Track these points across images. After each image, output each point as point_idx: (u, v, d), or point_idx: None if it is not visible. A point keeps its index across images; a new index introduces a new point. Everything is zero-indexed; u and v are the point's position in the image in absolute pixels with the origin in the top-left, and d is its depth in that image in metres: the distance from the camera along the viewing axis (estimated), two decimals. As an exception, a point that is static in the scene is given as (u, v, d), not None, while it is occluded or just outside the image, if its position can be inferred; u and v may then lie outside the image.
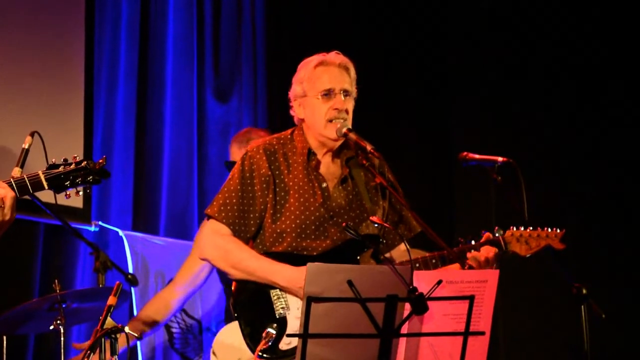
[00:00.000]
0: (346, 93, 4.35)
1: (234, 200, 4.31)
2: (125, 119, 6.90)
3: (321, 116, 4.33)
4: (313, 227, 4.28)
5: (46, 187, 3.65)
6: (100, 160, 3.65)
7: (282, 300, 4.19)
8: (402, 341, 3.55)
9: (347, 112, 4.34)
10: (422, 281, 3.47)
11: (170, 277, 6.60)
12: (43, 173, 3.58)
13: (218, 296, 6.63)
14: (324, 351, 3.45)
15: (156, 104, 7.12)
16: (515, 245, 4.51)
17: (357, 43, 7.46)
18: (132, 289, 6.23)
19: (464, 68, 7.82)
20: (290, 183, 4.32)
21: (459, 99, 7.87)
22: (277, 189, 4.31)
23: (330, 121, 4.32)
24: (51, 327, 5.39)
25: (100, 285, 5.08)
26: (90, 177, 3.61)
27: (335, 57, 4.39)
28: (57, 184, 3.59)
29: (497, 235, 4.48)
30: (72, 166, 3.59)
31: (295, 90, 4.41)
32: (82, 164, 3.60)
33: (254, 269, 4.22)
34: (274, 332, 4.12)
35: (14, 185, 3.57)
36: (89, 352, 3.92)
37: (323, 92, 4.32)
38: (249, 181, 4.33)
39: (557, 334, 7.06)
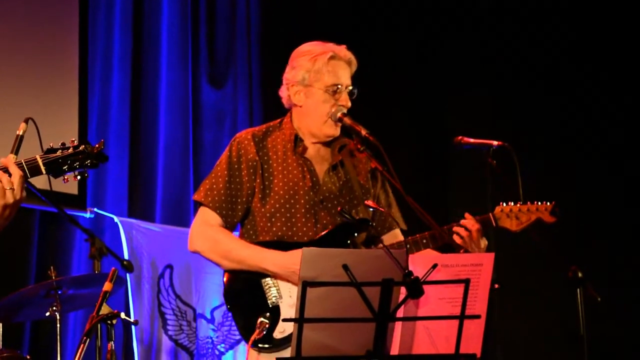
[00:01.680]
0: (350, 91, 4.35)
1: (221, 185, 4.31)
2: (120, 105, 6.90)
3: (324, 111, 4.31)
4: (303, 211, 4.27)
5: (44, 171, 3.63)
6: (98, 145, 3.62)
7: (274, 289, 4.19)
8: (398, 325, 3.54)
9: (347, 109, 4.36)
10: (418, 265, 3.47)
11: (165, 263, 6.61)
12: (41, 157, 3.55)
13: (211, 283, 6.64)
14: (319, 336, 3.45)
15: (151, 90, 7.11)
16: (506, 220, 4.48)
17: (351, 30, 7.46)
18: (128, 275, 6.24)
19: (460, 56, 7.81)
20: (280, 168, 4.32)
21: (454, 86, 7.86)
22: (266, 174, 4.31)
23: (331, 117, 4.31)
24: (47, 314, 5.40)
25: (96, 272, 5.09)
26: (88, 161, 3.58)
27: (345, 52, 4.37)
28: (55, 168, 3.56)
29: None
30: (70, 150, 3.57)
31: (295, 75, 4.36)
32: (80, 148, 3.57)
33: (244, 258, 4.22)
34: (267, 321, 4.12)
35: (24, 165, 3.57)
36: (85, 338, 3.92)
37: (332, 88, 4.30)
38: (236, 166, 4.32)
39: (552, 317, 7.08)
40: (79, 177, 3.60)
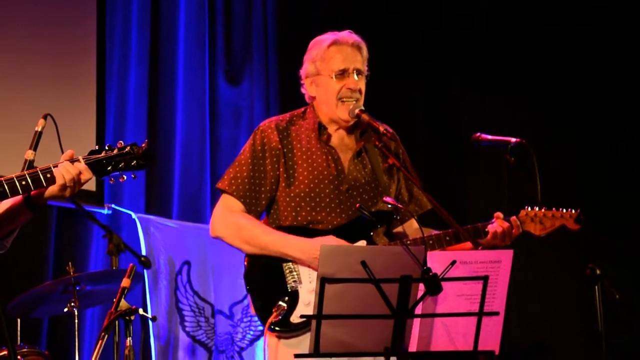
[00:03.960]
0: (359, 72, 4.35)
1: (245, 174, 4.32)
2: (137, 102, 6.91)
3: (333, 95, 4.33)
4: (328, 200, 4.28)
5: None
6: (143, 145, 3.60)
7: (294, 273, 4.20)
8: (416, 322, 3.54)
9: (360, 92, 4.35)
10: (436, 262, 3.46)
11: (183, 259, 6.62)
12: (84, 158, 3.55)
13: (230, 279, 6.64)
14: (337, 332, 3.45)
15: (168, 87, 7.12)
16: (530, 225, 4.48)
17: (365, 27, 7.43)
18: (145, 272, 6.25)
19: (474, 54, 7.78)
20: (304, 157, 4.33)
21: (469, 83, 7.83)
22: (289, 162, 4.32)
23: (342, 101, 4.31)
24: (65, 310, 5.43)
25: (114, 268, 5.10)
26: (135, 161, 3.57)
27: (348, 36, 4.39)
28: (99, 168, 3.55)
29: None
30: (115, 151, 3.57)
31: (307, 68, 4.41)
32: (126, 149, 3.56)
33: (267, 243, 4.23)
34: (285, 305, 4.14)
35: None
36: (103, 334, 3.93)
37: (337, 71, 4.31)
38: (260, 154, 4.33)
39: (570, 314, 7.05)
40: (125, 178, 3.60)
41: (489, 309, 3.56)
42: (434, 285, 3.41)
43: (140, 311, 4.23)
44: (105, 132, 6.71)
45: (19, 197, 3.53)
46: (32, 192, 3.49)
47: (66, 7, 6.72)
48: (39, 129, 3.90)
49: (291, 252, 4.19)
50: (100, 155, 3.55)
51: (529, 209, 4.49)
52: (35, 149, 3.84)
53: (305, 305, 4.13)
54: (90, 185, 6.41)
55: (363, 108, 4.30)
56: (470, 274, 3.54)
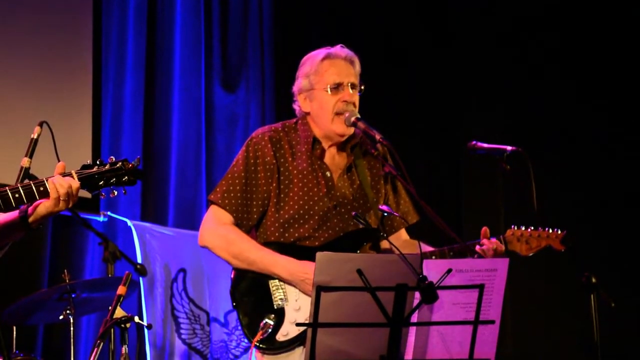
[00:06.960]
0: (353, 86, 4.34)
1: (237, 187, 4.30)
2: (133, 109, 6.91)
3: (329, 109, 4.31)
4: (316, 217, 4.27)
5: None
6: (134, 162, 3.62)
7: (281, 291, 4.19)
8: (412, 330, 3.55)
9: (354, 105, 4.33)
10: (432, 270, 3.47)
11: (178, 266, 6.62)
12: (76, 172, 3.56)
13: (225, 287, 6.64)
14: (333, 340, 3.45)
15: (164, 94, 7.12)
16: (516, 244, 4.49)
17: (365, 34, 7.46)
18: (141, 279, 6.25)
19: (475, 63, 7.79)
20: (295, 172, 4.31)
21: (470, 92, 7.84)
22: (282, 178, 4.31)
23: (338, 114, 4.30)
24: (61, 317, 5.44)
25: (110, 275, 5.11)
26: (125, 177, 3.59)
27: (341, 50, 4.38)
28: (91, 183, 3.57)
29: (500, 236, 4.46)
30: (107, 166, 3.58)
31: (300, 84, 4.39)
32: (117, 165, 3.58)
33: (255, 260, 4.22)
34: (271, 322, 4.12)
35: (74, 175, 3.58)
36: (99, 341, 3.93)
37: (332, 85, 4.30)
38: (253, 168, 4.32)
39: (566, 323, 7.06)
40: (116, 193, 3.61)
41: (485, 317, 3.56)
42: (430, 293, 3.41)
43: (136, 319, 4.23)
44: (101, 140, 6.70)
45: (14, 214, 3.53)
46: (29, 211, 3.49)
47: (62, 14, 6.73)
48: (35, 136, 3.90)
49: (278, 272, 4.17)
50: (92, 170, 3.57)
51: (515, 228, 4.50)
52: (31, 157, 3.84)
53: (291, 324, 4.12)
54: (86, 193, 6.38)
55: (359, 116, 4.30)
56: (466, 283, 3.54)
